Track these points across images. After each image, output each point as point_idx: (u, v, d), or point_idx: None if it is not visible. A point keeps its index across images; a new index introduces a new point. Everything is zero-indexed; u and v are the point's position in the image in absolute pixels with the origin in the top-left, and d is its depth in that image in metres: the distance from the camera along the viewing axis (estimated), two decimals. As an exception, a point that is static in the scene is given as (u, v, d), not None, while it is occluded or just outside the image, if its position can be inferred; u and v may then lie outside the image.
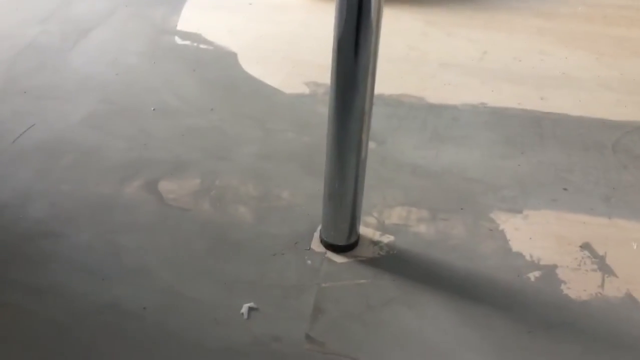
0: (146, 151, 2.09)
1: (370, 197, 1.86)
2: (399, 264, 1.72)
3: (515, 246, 1.79)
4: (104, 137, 2.13)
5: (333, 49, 1.45)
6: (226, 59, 2.61)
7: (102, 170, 2.00)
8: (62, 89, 2.38)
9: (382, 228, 1.83)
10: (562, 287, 1.67)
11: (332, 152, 1.62)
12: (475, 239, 1.80)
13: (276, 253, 1.74)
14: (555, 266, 1.73)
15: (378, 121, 2.25)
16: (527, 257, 1.75)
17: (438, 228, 1.84)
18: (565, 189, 2.00)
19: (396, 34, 2.81)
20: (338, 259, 1.73)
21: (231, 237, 1.78)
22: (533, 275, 1.70)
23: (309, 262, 1.71)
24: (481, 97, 2.43)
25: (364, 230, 1.81)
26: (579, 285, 1.68)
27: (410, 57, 2.68)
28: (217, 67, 2.56)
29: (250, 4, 3.04)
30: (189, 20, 2.86)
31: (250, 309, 1.58)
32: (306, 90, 2.44)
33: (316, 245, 1.76)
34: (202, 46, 2.68)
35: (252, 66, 2.56)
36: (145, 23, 2.81)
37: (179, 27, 2.80)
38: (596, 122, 2.32)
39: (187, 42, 2.70)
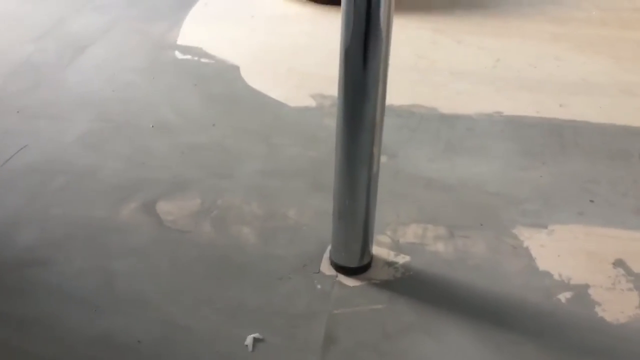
0: (143, 171, 1.97)
1: (383, 214, 1.73)
2: (416, 287, 1.58)
3: (542, 264, 1.65)
4: (99, 157, 2.02)
5: (340, 58, 1.34)
6: (228, 73, 2.50)
7: (96, 192, 1.88)
8: (56, 108, 2.27)
9: (397, 247, 1.69)
10: (597, 308, 1.53)
11: (341, 167, 1.50)
12: (498, 258, 1.67)
13: (283, 277, 1.60)
14: (587, 286, 1.58)
15: (389, 133, 2.11)
16: (556, 276, 1.61)
17: (457, 246, 1.70)
18: (592, 201, 1.86)
19: (404, 43, 2.70)
20: (350, 282, 1.59)
21: (234, 261, 1.65)
22: (564, 296, 1.56)
23: (319, 286, 1.58)
24: (496, 106, 2.31)
25: (377, 250, 1.67)
26: (615, 306, 1.53)
27: (419, 66, 2.56)
28: (218, 82, 2.45)
29: (253, 16, 2.94)
30: (189, 34, 2.76)
31: (255, 339, 1.44)
32: (312, 103, 2.32)
33: (326, 268, 1.63)
34: (203, 60, 2.58)
35: (255, 79, 2.45)
36: (144, 38, 2.72)
37: (179, 42, 2.70)
38: (620, 129, 2.19)
39: (188, 57, 2.60)
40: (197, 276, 1.60)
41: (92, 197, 1.86)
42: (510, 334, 1.46)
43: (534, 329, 1.47)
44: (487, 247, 1.70)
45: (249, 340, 1.43)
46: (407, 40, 2.73)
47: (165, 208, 1.82)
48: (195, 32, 2.79)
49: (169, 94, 2.36)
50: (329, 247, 1.66)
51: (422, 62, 2.59)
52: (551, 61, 2.59)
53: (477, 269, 1.63)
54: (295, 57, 2.61)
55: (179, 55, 2.61)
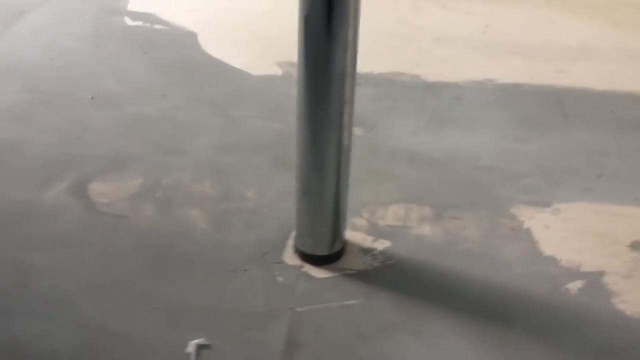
0: (77, 146, 1.67)
1: (358, 193, 1.46)
2: (398, 278, 1.31)
3: (546, 249, 1.39)
4: (26, 131, 1.72)
5: (299, 24, 1.08)
6: (184, 40, 2.21)
7: (19, 171, 1.58)
8: (-18, 78, 1.96)
9: (375, 231, 1.43)
10: (614, 299, 1.27)
11: (305, 134, 1.22)
12: (495, 242, 1.41)
13: (237, 269, 1.33)
14: (601, 273, 1.33)
15: (366, 104, 1.85)
16: (564, 263, 1.35)
17: (446, 229, 1.44)
18: (600, 175, 1.61)
19: (383, 8, 2.42)
20: (318, 273, 1.32)
21: (179, 250, 1.37)
22: (574, 285, 1.30)
23: (280, 279, 1.30)
24: (487, 73, 2.04)
25: (351, 235, 1.41)
26: (635, 296, 1.28)
27: (401, 32, 2.29)
28: (172, 50, 2.15)
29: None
30: (142, 0, 2.46)
31: (200, 346, 1.16)
32: (278, 71, 2.04)
33: (289, 257, 1.36)
34: (156, 27, 2.28)
35: (214, 47, 2.16)
36: (91, 4, 2.41)
37: (130, 7, 2.39)
38: (626, 96, 1.94)
39: (139, 23, 2.30)
40: (132, 270, 1.32)
41: (13, 176, 1.57)
42: (511, 333, 1.20)
43: (539, 326, 1.22)
44: (481, 229, 1.44)
45: (191, 347, 1.16)
46: (387, 5, 2.46)
47: (100, 189, 1.53)
48: (149, -2, 2.48)
49: (113, 62, 2.06)
50: (293, 233, 1.38)
51: (404, 28, 2.32)
52: (545, 25, 2.33)
53: (470, 255, 1.37)
54: (260, 23, 2.32)
55: (128, 21, 2.31)
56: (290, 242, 1.39)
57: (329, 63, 1.15)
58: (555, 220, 1.46)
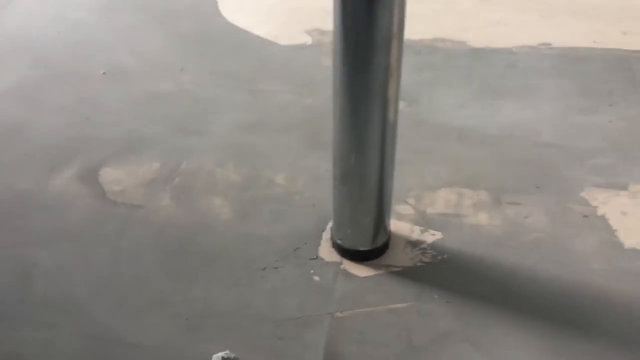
0: (87, 127, 1.51)
1: (402, 176, 1.27)
2: (452, 276, 1.13)
3: (627, 239, 1.19)
4: (32, 111, 1.57)
5: None
6: (204, 8, 2.02)
7: (25, 155, 1.43)
8: (-13, 54, 1.81)
9: (424, 221, 1.24)
10: None
11: (343, 114, 1.04)
12: (565, 231, 1.21)
13: (267, 266, 1.16)
14: (696, 269, 1.12)
15: (406, 74, 1.61)
16: (650, 257, 1.15)
17: (506, 217, 1.24)
18: (684, 152, 1.39)
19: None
20: (360, 271, 1.14)
21: (200, 245, 1.20)
22: (665, 285, 1.10)
23: (316, 278, 1.13)
24: (542, 37, 1.81)
25: (396, 225, 1.22)
26: None
27: (442, -7, 2.06)
28: (191, 19, 1.97)
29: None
30: (158, -34, 2.27)
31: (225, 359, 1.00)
32: (308, 40, 1.84)
33: (326, 252, 1.18)
34: (174, -5, 2.09)
35: (237, 15, 1.97)
36: (104, -29, 2.23)
37: (145, -26, 2.21)
38: None
39: (155, -9, 2.11)
40: (147, 268, 1.16)
41: (17, 162, 1.41)
42: (590, 344, 1.01)
43: (627, 335, 1.02)
44: (547, 216, 1.24)
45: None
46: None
47: (112, 175, 1.37)
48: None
49: (127, 34, 1.88)
50: (330, 224, 1.20)
51: (444, -11, 2.09)
52: (606, -18, 2.08)
53: (537, 248, 1.17)
54: (287, -12, 2.11)
55: (144, -11, 2.12)
56: (327, 235, 1.21)
57: (371, 24, 0.96)
58: (634, 205, 1.26)
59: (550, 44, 1.79)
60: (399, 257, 1.17)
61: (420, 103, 1.58)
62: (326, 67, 1.67)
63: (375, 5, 0.93)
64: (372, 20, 0.95)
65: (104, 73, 1.71)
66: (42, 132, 1.50)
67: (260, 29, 1.90)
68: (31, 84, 1.67)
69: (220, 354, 1.01)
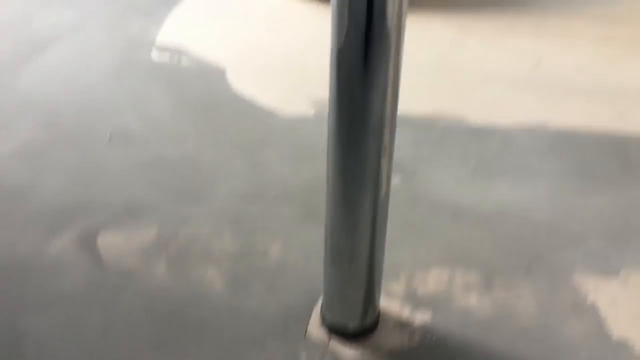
0: (89, 191, 1.54)
1: (395, 253, 1.28)
2: (441, 358, 1.12)
3: (615, 329, 1.18)
4: (36, 173, 1.60)
5: (331, 62, 0.92)
6: (212, 76, 2.08)
7: (25, 218, 1.46)
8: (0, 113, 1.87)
9: (414, 300, 1.25)
10: None
11: (335, 189, 1.06)
12: (554, 318, 1.21)
13: (255, 342, 1.16)
14: (686, 363, 1.12)
15: (405, 148, 1.69)
16: (638, 349, 1.14)
17: (496, 300, 1.25)
18: (677, 239, 1.40)
19: (425, 43, 2.27)
20: (348, 351, 1.14)
21: (190, 317, 1.21)
22: (654, 379, 1.09)
23: (304, 356, 1.13)
24: (539, 116, 1.86)
25: (386, 303, 1.23)
26: None
27: (444, 69, 2.13)
28: (199, 86, 2.03)
29: (247, 13, 2.53)
30: (171, 32, 2.36)
31: None
32: (310, 110, 1.89)
33: (316, 329, 1.18)
34: (183, 61, 2.17)
35: (243, 83, 2.03)
36: (118, 36, 2.32)
37: (158, 40, 2.29)
38: (699, 145, 1.73)
39: (166, 57, 2.19)
40: (137, 339, 1.16)
41: (18, 225, 1.44)
42: None
43: None
44: (537, 302, 1.24)
45: None
46: (428, 40, 2.30)
47: (109, 241, 1.39)
48: (179, 31, 2.38)
49: (137, 99, 1.94)
50: (321, 299, 1.21)
51: (446, 65, 2.15)
52: (603, 65, 2.14)
53: (526, 334, 1.17)
54: (292, 57, 2.19)
55: (155, 55, 2.20)
56: (317, 311, 1.21)
57: (365, 108, 0.99)
58: (625, 293, 1.26)
59: (546, 123, 1.82)
60: (388, 337, 1.17)
61: (417, 179, 1.61)
62: (326, 139, 1.72)
63: (369, 88, 0.97)
64: (366, 104, 0.98)
65: (110, 136, 1.75)
66: (45, 195, 1.53)
67: (265, 97, 1.95)
68: (38, 145, 1.71)
69: None
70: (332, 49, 0.96)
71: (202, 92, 2.00)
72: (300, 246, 1.38)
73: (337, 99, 1.00)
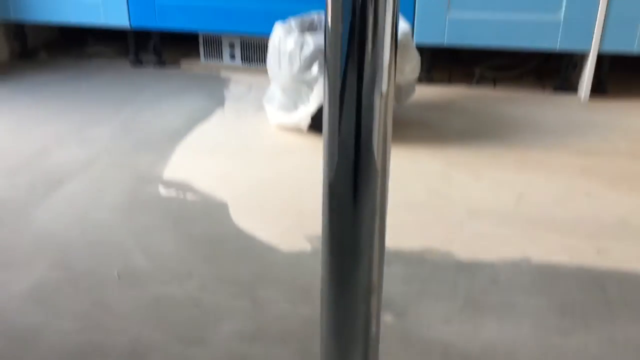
0: (96, 333, 1.62)
1: (387, 399, 1.34)
2: None
3: None
4: (46, 315, 1.69)
5: (323, 201, 1.04)
6: (215, 211, 2.22)
7: (35, 361, 1.53)
8: (13, 252, 1.98)
9: None
10: None
11: (327, 332, 1.14)
12: None
13: None
14: None
15: (395, 285, 1.79)
16: None
17: None
18: (656, 381, 1.46)
19: (413, 177, 2.43)
20: None
21: None
22: None
23: None
24: (523, 251, 1.97)
25: None
26: None
27: (432, 203, 2.27)
28: (203, 221, 2.16)
29: (249, 148, 2.72)
30: (177, 168, 2.53)
31: None
32: (308, 247, 2.01)
33: None
34: (188, 197, 2.31)
35: (245, 219, 2.17)
36: (127, 173, 2.48)
37: (165, 176, 2.46)
38: (675, 281, 1.83)
39: (172, 193, 2.34)
40: None
41: (27, 369, 1.51)
42: None
43: None
44: None
45: None
46: (417, 173, 2.47)
47: (114, 386, 1.45)
48: (185, 166, 2.56)
49: (144, 235, 2.06)
50: None
51: (435, 199, 2.30)
52: (582, 198, 2.29)
53: None
54: (292, 194, 2.33)
55: (162, 191, 2.35)
56: None
57: (355, 238, 1.04)
58: None
59: (529, 259, 1.93)
60: None
61: (407, 317, 1.69)
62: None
63: (359, 219, 1.05)
64: (356, 232, 1.06)
65: (118, 275, 1.85)
66: (53, 339, 1.60)
67: (265, 233, 2.08)
68: (49, 286, 1.81)
69: None
70: (324, 184, 1.06)
71: (206, 227, 2.13)
72: (297, 389, 1.44)
73: (329, 231, 1.08)
